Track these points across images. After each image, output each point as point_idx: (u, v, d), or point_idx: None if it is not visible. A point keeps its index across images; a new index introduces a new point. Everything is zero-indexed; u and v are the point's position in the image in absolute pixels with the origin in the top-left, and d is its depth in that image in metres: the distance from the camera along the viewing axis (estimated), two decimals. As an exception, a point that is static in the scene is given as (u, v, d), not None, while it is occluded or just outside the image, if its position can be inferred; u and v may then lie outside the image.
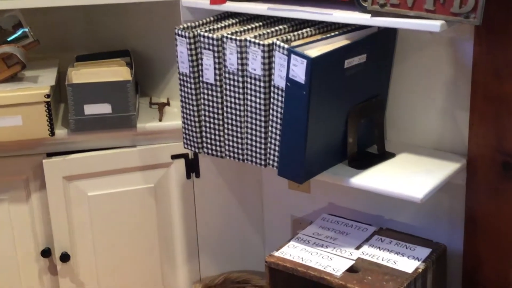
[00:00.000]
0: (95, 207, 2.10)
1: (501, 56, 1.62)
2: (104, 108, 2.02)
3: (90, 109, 2.01)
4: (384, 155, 1.83)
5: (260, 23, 1.82)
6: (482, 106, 1.68)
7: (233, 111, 1.81)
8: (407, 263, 1.73)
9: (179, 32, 1.81)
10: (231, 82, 1.78)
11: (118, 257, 2.17)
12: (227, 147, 1.86)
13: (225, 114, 1.83)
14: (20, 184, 2.08)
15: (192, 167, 2.16)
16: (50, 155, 2.06)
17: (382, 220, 1.98)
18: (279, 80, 1.68)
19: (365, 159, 1.81)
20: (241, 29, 1.79)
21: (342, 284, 1.67)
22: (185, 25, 1.84)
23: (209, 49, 1.78)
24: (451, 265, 1.86)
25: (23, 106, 1.96)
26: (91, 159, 2.06)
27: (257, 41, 1.70)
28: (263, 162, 1.80)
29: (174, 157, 2.13)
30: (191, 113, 1.88)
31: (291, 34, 1.72)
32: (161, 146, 2.11)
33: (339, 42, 1.69)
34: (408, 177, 1.73)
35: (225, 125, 1.84)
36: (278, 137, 1.73)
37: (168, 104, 2.24)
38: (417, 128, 1.86)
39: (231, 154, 1.86)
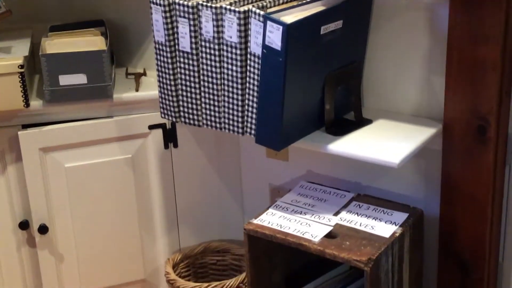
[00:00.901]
0: (72, 179, 2.09)
1: (476, 20, 1.62)
2: (79, 79, 2.00)
3: (65, 80, 1.99)
4: (361, 122, 1.84)
5: (236, -10, 1.81)
6: (457, 71, 1.68)
7: (210, 79, 1.80)
8: (385, 228, 1.74)
9: (154, 0, 1.80)
10: (207, 50, 1.77)
11: (97, 229, 2.16)
12: (204, 116, 1.85)
13: (201, 83, 1.82)
14: (-4, 156, 2.07)
15: (170, 137, 2.15)
16: (25, 126, 2.04)
17: (360, 187, 1.99)
18: (255, 47, 1.68)
19: (342, 126, 1.81)
20: (217, -4, 1.77)
21: (320, 250, 1.68)
22: (160, -7, 1.82)
23: (184, 16, 1.77)
24: (428, 230, 1.88)
25: (-4, 77, 1.94)
26: (67, 130, 2.05)
27: (232, 8, 1.68)
28: (240, 130, 1.80)
29: (152, 127, 2.12)
30: (168, 82, 1.87)
31: (267, 0, 1.71)
32: (138, 117, 2.10)
33: (315, 8, 1.68)
34: (384, 143, 1.73)
35: (202, 94, 1.83)
36: (255, 105, 1.73)
37: (144, 74, 2.22)
38: (394, 94, 1.87)
39: (209, 122, 1.85)
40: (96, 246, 2.18)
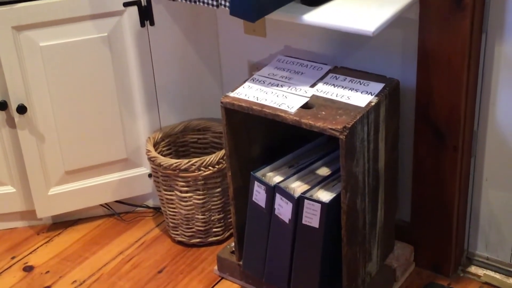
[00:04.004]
0: (48, 58, 2.07)
1: None
2: (49, -46, 1.95)
3: (35, -46, 1.94)
4: (337, -8, 1.81)
5: None
6: None
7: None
8: (361, 98, 1.75)
9: None
10: None
11: (76, 108, 2.16)
12: (178, -11, 1.82)
13: None
14: (-32, 36, 2.03)
15: (146, 15, 2.12)
16: (-3, 4, 2.00)
17: (337, 59, 1.98)
18: None
19: (318, -4, 1.78)
20: None
21: (296, 120, 1.69)
22: None
23: None
24: (404, 100, 1.89)
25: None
26: (40, 8, 2.01)
27: None
28: (215, 3, 1.77)
29: (127, 4, 2.08)
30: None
31: None
32: (112, -7, 2.06)
33: None
34: (360, 12, 1.71)
35: (175, -35, 1.79)
36: (228, -25, 1.69)
37: (117, -51, 2.16)
38: (371, -37, 1.83)
39: (183, -4, 1.82)
40: (77, 126, 2.19)
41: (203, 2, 1.79)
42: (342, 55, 1.98)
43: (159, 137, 2.24)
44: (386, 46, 1.88)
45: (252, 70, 2.20)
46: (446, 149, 1.85)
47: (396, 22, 1.72)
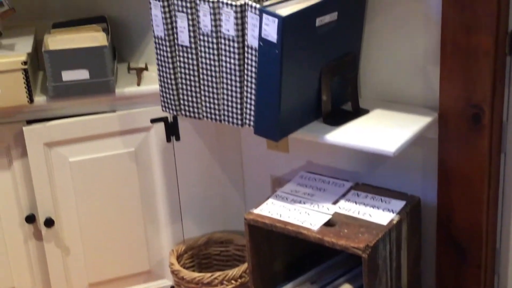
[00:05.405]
0: (77, 173, 2.13)
1: (469, 10, 1.65)
2: (81, 74, 2.04)
3: (68, 75, 2.03)
4: (358, 112, 1.86)
5: (233, -16, 1.84)
6: (451, 60, 1.71)
7: (209, 72, 1.83)
8: (382, 216, 1.77)
9: (153, -5, 1.83)
10: (206, 44, 1.80)
11: (102, 221, 2.20)
12: (204, 108, 1.89)
13: (201, 76, 1.86)
14: (2, 152, 2.10)
15: (172, 130, 2.19)
16: (30, 122, 2.08)
17: (359, 176, 2.02)
18: (252, 40, 1.71)
19: (340, 116, 1.84)
20: (214, -10, 1.80)
21: (319, 238, 1.71)
22: (159, -11, 1.85)
23: (182, 11, 1.80)
24: (425, 217, 1.91)
25: (0, 74, 1.97)
26: (71, 125, 2.09)
27: (229, 1, 1.72)
28: (239, 122, 1.83)
29: (154, 121, 2.15)
30: (168, 76, 1.90)
31: (263, -6, 1.74)
32: (140, 111, 2.14)
33: (310, 0, 1.71)
34: (381, 132, 1.76)
35: (202, 87, 1.87)
36: (253, 96, 1.76)
37: (146, 69, 2.26)
38: (390, 84, 1.90)
39: (209, 115, 1.89)
40: (102, 238, 2.22)
41: (228, 121, 1.85)
42: (364, 171, 2.02)
43: (182, 250, 2.26)
44: (406, 164, 1.92)
45: (275, 184, 2.25)
46: (469, 267, 1.85)
47: (416, 140, 1.76)
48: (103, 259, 2.24)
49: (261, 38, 1.65)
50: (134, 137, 2.16)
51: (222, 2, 1.72)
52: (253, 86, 1.75)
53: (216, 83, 1.83)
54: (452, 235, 1.85)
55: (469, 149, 1.75)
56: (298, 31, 1.65)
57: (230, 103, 1.82)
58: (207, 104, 1.87)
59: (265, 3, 1.70)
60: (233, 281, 2.10)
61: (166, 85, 1.92)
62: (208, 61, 1.82)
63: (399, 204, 1.81)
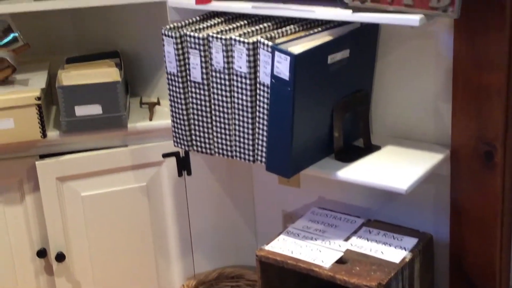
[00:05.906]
0: (88, 207, 2.14)
1: (481, 47, 1.65)
2: (94, 109, 2.05)
3: (81, 111, 2.05)
4: (370, 148, 1.86)
5: (245, 22, 1.86)
6: (463, 97, 1.71)
7: (221, 109, 1.84)
8: (394, 253, 1.76)
9: (166, 32, 1.85)
10: (218, 80, 1.81)
11: (113, 255, 2.20)
12: (216, 144, 1.89)
13: (213, 112, 1.86)
14: (14, 186, 2.11)
15: (184, 165, 2.19)
16: (43, 156, 2.09)
17: (371, 212, 2.01)
18: (264, 77, 1.72)
19: (352, 153, 1.84)
20: (226, 28, 1.82)
21: (330, 275, 1.70)
22: (172, 25, 1.87)
23: (195, 48, 1.82)
24: (438, 254, 1.89)
25: (14, 109, 1.99)
26: (83, 160, 2.10)
27: (242, 39, 1.73)
28: (251, 158, 1.84)
29: (165, 155, 2.16)
30: (180, 111, 1.91)
31: (275, 31, 1.75)
32: (152, 145, 2.15)
33: (322, 38, 1.72)
34: (393, 169, 1.76)
35: (214, 123, 1.87)
36: (265, 133, 1.77)
37: (158, 103, 2.27)
38: (402, 121, 1.90)
39: (220, 151, 1.89)
40: (113, 273, 2.22)
41: (240, 157, 1.85)
42: (375, 208, 2.01)
43: (193, 285, 2.25)
44: (418, 201, 1.91)
45: (286, 219, 2.24)
46: (482, 305, 1.84)
47: (428, 178, 1.76)
48: (114, 293, 2.24)
49: (273, 76, 1.66)
50: (146, 172, 2.16)
51: (235, 40, 1.74)
52: (265, 122, 1.75)
53: (228, 119, 1.84)
54: (465, 273, 1.83)
55: (482, 186, 1.74)
56: (310, 68, 1.66)
57: (242, 139, 1.83)
58: (219, 140, 1.88)
59: (277, 41, 1.71)
60: (244, 317, 2.09)
61: (178, 121, 1.93)
62: (220, 98, 1.83)
63: (412, 242, 1.80)
